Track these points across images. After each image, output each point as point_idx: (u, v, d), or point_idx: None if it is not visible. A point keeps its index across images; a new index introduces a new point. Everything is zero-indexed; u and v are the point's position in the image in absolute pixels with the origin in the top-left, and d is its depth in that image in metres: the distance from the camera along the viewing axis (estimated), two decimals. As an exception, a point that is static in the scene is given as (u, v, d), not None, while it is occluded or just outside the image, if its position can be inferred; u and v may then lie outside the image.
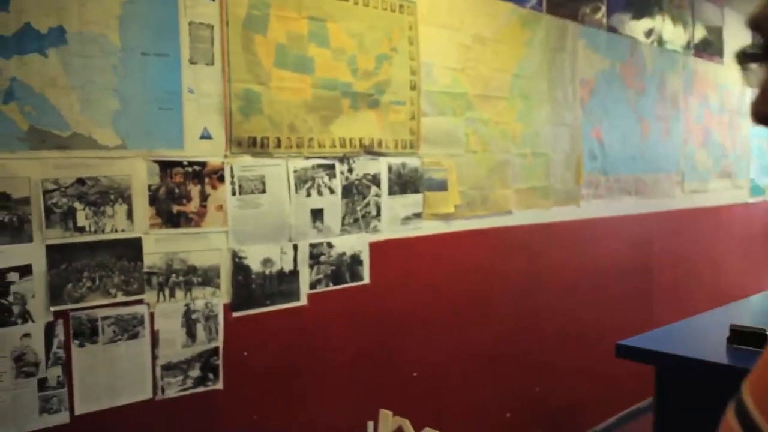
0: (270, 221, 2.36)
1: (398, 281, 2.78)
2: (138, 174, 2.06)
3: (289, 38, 2.42)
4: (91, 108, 1.97)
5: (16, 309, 1.86)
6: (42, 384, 1.92)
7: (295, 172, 2.42)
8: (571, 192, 3.74)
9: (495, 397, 3.29)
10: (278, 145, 2.38)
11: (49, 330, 1.92)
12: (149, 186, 2.08)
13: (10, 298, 1.85)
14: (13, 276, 1.85)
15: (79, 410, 1.98)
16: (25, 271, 1.87)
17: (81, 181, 1.95)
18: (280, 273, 2.40)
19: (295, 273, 2.44)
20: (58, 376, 1.94)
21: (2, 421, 1.85)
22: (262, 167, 2.34)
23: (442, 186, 2.97)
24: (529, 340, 3.45)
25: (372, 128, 2.69)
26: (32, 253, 1.88)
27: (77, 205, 1.95)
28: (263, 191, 2.34)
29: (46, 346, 1.92)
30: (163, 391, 2.13)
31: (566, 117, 3.70)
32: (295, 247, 2.44)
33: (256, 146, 2.32)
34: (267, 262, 2.36)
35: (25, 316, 1.88)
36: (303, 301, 2.47)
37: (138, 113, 2.05)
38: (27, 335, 1.88)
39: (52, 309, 1.92)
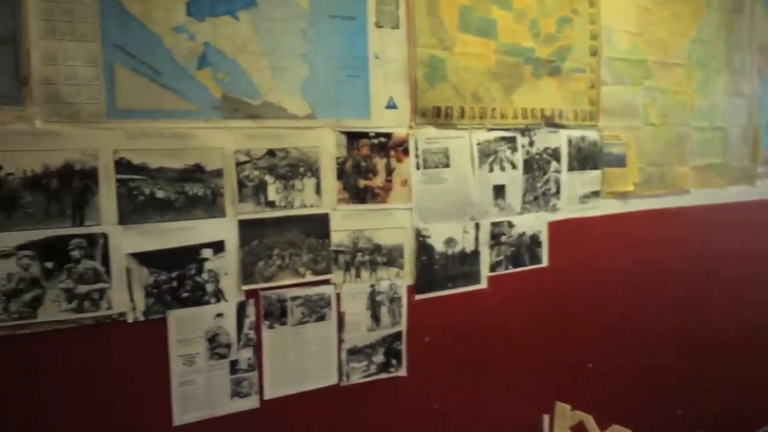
0: (453, 198, 2.15)
1: (575, 265, 2.52)
2: (326, 145, 1.89)
3: (472, -1, 2.18)
4: (281, 75, 1.81)
5: (209, 287, 1.74)
6: (233, 366, 1.79)
7: (478, 144, 2.19)
8: (747, 170, 3.34)
9: (666, 392, 2.98)
10: (462, 115, 2.16)
11: (241, 310, 1.79)
12: (337, 158, 1.90)
13: (204, 276, 1.73)
14: (206, 252, 1.73)
15: (268, 395, 1.85)
16: (218, 247, 1.74)
17: (271, 153, 1.80)
18: (462, 254, 2.19)
19: (476, 254, 2.23)
20: (249, 359, 1.81)
21: (196, 404, 1.74)
22: (446, 139, 2.12)
23: (620, 162, 2.67)
24: (703, 331, 3.11)
25: (552, 98, 2.42)
26: (225, 229, 1.75)
27: (268, 178, 1.80)
28: (447, 165, 2.13)
29: (237, 327, 1.78)
30: (348, 376, 1.97)
31: (743, 87, 3.29)
32: (477, 226, 2.22)
33: (440, 117, 2.11)
34: (450, 241, 2.15)
35: (218, 295, 1.75)
36: (483, 284, 2.25)
37: (326, 80, 1.88)
38: (220, 315, 1.76)
39: (244, 288, 1.79)
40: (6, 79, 1.50)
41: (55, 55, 1.53)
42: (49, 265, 1.54)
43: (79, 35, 1.56)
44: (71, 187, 1.56)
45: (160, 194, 1.65)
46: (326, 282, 1.91)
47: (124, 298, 1.63)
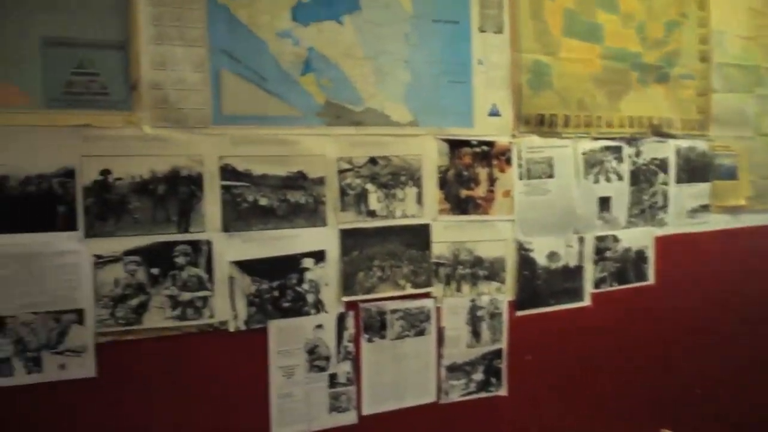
0: (557, 210, 2.04)
1: (683, 283, 2.35)
2: (428, 154, 1.82)
3: (577, 2, 2.08)
4: (384, 80, 1.75)
5: (310, 298, 1.68)
6: (332, 380, 1.72)
7: (583, 154, 2.07)
8: None
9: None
10: (566, 123, 2.04)
11: (340, 322, 1.72)
12: (438, 167, 1.83)
13: (305, 286, 1.67)
14: (308, 262, 1.67)
15: (366, 410, 1.78)
16: (319, 257, 1.68)
17: (373, 161, 1.74)
18: (565, 268, 2.07)
19: (579, 269, 2.10)
20: (347, 372, 1.74)
21: (294, 417, 1.68)
22: (550, 148, 2.01)
23: (731, 174, 2.49)
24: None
25: (660, 106, 2.28)
26: (326, 238, 1.69)
27: (369, 186, 1.73)
28: (550, 176, 2.01)
29: (336, 340, 1.72)
30: (447, 394, 1.88)
31: None
32: (581, 240, 2.09)
33: (543, 125, 2.00)
34: (552, 255, 2.03)
35: (318, 306, 1.70)
36: (586, 301, 2.12)
37: (429, 86, 1.81)
38: (319, 326, 1.70)
39: (344, 299, 1.72)
40: (117, 83, 1.49)
41: (163, 60, 1.52)
42: (155, 271, 1.52)
43: (187, 40, 1.54)
44: (177, 193, 1.53)
45: (263, 201, 1.61)
46: (426, 295, 1.83)
47: (226, 306, 1.59)
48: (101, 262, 1.47)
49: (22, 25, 1.41)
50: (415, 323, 1.82)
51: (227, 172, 1.58)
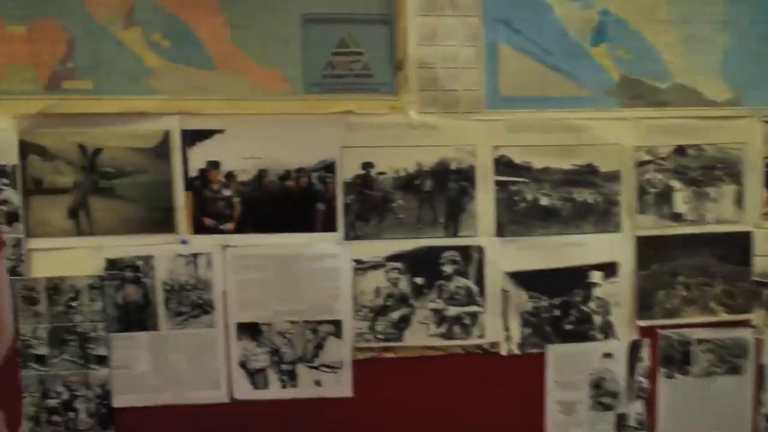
0: None
1: None
2: (753, 141, 1.38)
3: None
4: (696, 49, 1.34)
5: (597, 320, 1.33)
6: (620, 421, 1.36)
7: None
8: None
9: None
10: None
11: (633, 351, 1.35)
12: (765, 159, 1.37)
13: (592, 305, 1.32)
14: (596, 276, 1.33)
15: (661, 463, 1.37)
16: (610, 270, 1.32)
17: (680, 151, 1.33)
18: None
19: None
20: (639, 414, 1.37)
21: (573, 464, 1.33)
22: None
23: None
24: None
25: None
26: (620, 247, 1.33)
27: (674, 183, 1.33)
28: None
29: (628, 373, 1.34)
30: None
31: None
32: None
33: None
34: None
35: (606, 331, 1.33)
36: None
37: (755, 54, 1.38)
38: (608, 356, 1.34)
39: (639, 323, 1.34)
40: (380, 63, 1.25)
41: (433, 33, 1.25)
42: (419, 280, 1.27)
43: (459, 9, 1.27)
44: (445, 190, 1.27)
45: (544, 201, 1.29)
46: (744, 323, 1.40)
47: (498, 325, 1.30)
48: (361, 268, 1.25)
49: (284, 2, 1.21)
50: (728, 358, 1.39)
51: (502, 164, 1.28)
